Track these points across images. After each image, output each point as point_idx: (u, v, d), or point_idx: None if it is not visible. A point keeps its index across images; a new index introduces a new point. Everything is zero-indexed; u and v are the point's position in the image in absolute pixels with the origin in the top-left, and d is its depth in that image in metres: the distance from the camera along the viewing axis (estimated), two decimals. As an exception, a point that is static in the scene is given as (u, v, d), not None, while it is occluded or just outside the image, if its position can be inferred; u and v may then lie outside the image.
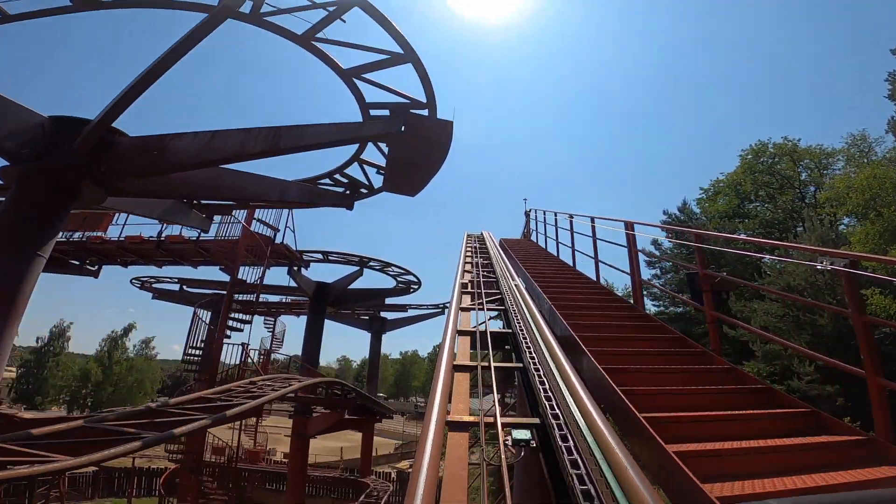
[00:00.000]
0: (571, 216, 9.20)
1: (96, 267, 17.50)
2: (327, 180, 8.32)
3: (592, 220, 7.66)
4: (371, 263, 17.51)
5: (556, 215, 10.96)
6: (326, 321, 26.93)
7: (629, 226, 5.99)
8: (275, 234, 13.95)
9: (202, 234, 13.53)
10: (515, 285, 6.33)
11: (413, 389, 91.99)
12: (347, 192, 8.33)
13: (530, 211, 15.98)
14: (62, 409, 58.33)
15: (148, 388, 59.34)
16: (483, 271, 7.49)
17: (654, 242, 25.00)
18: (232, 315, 13.96)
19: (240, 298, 14.24)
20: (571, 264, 9.24)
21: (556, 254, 10.68)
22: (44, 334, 61.25)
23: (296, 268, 16.00)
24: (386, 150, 7.04)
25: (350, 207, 7.95)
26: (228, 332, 14.26)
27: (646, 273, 26.95)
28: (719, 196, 29.69)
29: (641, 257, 6.50)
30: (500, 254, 9.17)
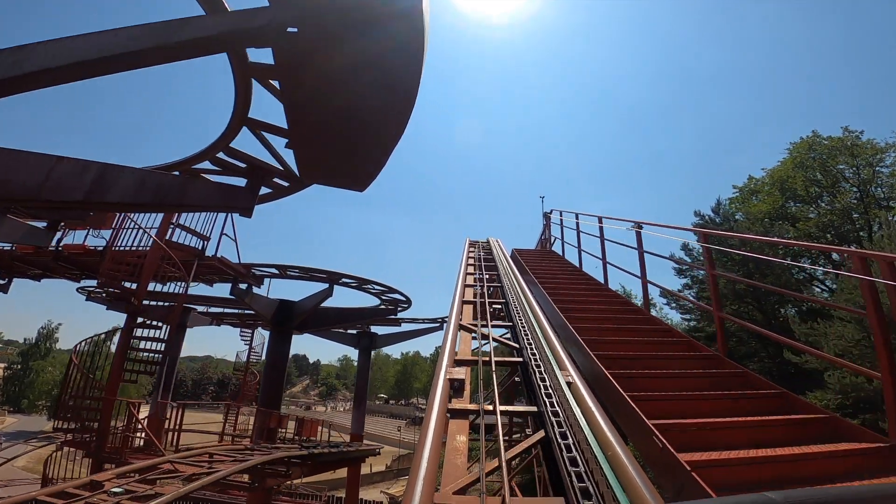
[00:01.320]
0: (639, 225, 5.48)
1: (4, 280, 14.15)
2: (207, 163, 4.64)
3: (706, 236, 3.93)
4: (344, 280, 13.80)
5: (600, 221, 7.25)
6: (309, 336, 23.46)
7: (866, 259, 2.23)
8: (204, 245, 10.35)
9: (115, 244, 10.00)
10: (569, 389, 2.77)
11: (415, 390, 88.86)
12: (249, 184, 4.66)
13: (551, 213, 12.27)
14: (44, 414, 55.84)
15: (133, 393, 56.59)
16: (493, 326, 3.99)
17: (685, 247, 21.54)
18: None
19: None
20: (641, 304, 5.58)
21: (604, 282, 6.97)
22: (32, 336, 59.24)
23: (242, 286, 12.40)
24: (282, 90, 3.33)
25: (248, 213, 4.24)
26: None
27: (674, 283, 23.34)
28: (754, 195, 26.32)
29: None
30: (519, 284, 5.54)
